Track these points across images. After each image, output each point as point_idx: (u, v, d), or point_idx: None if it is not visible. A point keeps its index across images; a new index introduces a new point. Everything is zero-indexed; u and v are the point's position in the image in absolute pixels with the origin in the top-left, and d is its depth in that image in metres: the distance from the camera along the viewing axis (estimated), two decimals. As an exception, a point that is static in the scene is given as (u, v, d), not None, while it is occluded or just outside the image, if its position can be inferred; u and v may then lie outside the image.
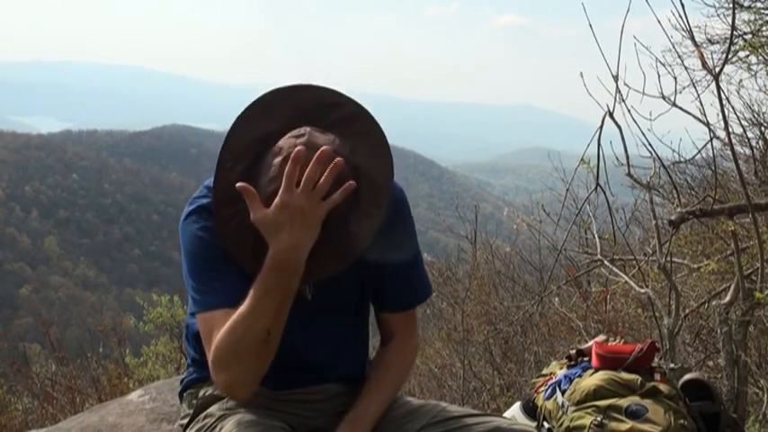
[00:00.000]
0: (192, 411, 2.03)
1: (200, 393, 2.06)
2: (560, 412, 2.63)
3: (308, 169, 1.71)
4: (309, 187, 1.71)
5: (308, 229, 1.74)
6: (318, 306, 2.01)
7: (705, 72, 3.56)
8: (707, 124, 3.45)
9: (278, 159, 1.79)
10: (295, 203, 1.71)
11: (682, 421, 2.44)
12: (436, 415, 1.99)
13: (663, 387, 2.55)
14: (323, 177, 1.72)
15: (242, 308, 1.77)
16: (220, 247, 1.89)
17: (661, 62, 3.83)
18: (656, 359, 2.72)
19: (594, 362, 2.74)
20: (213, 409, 1.97)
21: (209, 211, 1.93)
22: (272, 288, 1.76)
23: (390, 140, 2.02)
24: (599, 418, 2.46)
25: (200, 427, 1.96)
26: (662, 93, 3.41)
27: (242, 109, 1.91)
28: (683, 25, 3.60)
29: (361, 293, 2.09)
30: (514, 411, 2.97)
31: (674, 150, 4.24)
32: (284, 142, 1.82)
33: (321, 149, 1.72)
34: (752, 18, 5.00)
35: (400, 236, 2.06)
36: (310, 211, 1.72)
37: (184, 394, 2.16)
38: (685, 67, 4.72)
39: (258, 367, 1.82)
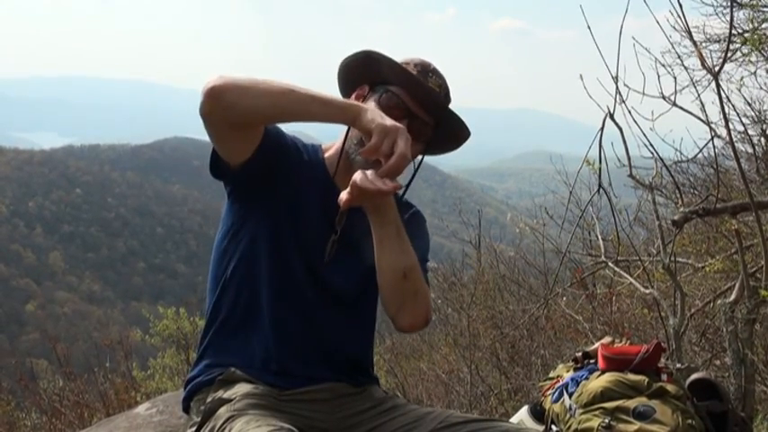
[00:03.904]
0: (200, 419, 2.03)
1: (209, 399, 2.07)
2: (568, 415, 2.63)
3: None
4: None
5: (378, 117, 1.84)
6: (326, 291, 2.14)
7: (705, 71, 3.56)
8: (708, 123, 3.45)
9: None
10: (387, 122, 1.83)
11: (690, 421, 2.44)
12: (443, 421, 2.00)
13: (670, 387, 2.55)
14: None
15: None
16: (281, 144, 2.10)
17: (660, 62, 3.86)
18: (662, 359, 2.72)
19: (601, 364, 2.74)
20: (221, 411, 1.97)
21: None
22: (321, 102, 1.87)
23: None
24: (607, 420, 2.46)
25: (210, 430, 1.97)
26: (662, 93, 3.41)
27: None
28: (681, 25, 3.62)
29: (364, 283, 2.16)
30: (522, 415, 2.97)
31: (676, 149, 4.24)
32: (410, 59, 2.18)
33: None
34: (751, 15, 5.00)
35: (410, 240, 2.10)
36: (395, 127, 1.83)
37: (191, 402, 2.17)
38: (685, 67, 4.73)
39: (250, 99, 1.86)
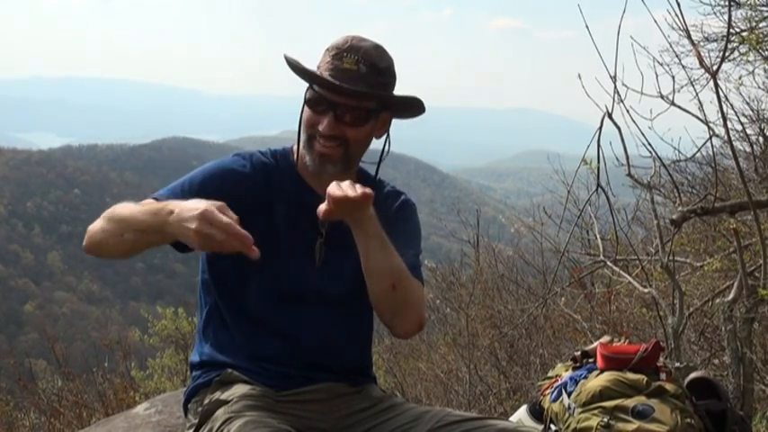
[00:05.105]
0: (197, 421, 2.03)
1: (206, 400, 2.06)
2: (567, 414, 2.63)
3: None
4: None
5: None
6: (320, 291, 2.13)
7: (703, 70, 3.56)
8: (706, 122, 3.44)
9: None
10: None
11: (689, 420, 2.44)
12: (440, 419, 2.00)
13: (669, 386, 2.54)
14: None
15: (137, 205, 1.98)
16: (218, 191, 1.97)
17: (659, 61, 3.85)
18: (661, 358, 2.72)
19: (600, 363, 2.74)
20: (219, 413, 1.97)
21: (246, 161, 2.19)
22: (152, 217, 1.88)
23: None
24: (606, 419, 2.46)
25: (208, 431, 1.97)
26: (660, 92, 3.41)
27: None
28: (679, 24, 3.62)
29: (357, 284, 2.12)
30: (521, 414, 2.97)
31: (674, 149, 4.24)
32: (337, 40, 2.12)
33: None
34: (748, 15, 5.00)
35: (401, 232, 2.11)
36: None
37: (189, 404, 2.17)
38: (683, 66, 4.73)
39: (107, 241, 2.02)
